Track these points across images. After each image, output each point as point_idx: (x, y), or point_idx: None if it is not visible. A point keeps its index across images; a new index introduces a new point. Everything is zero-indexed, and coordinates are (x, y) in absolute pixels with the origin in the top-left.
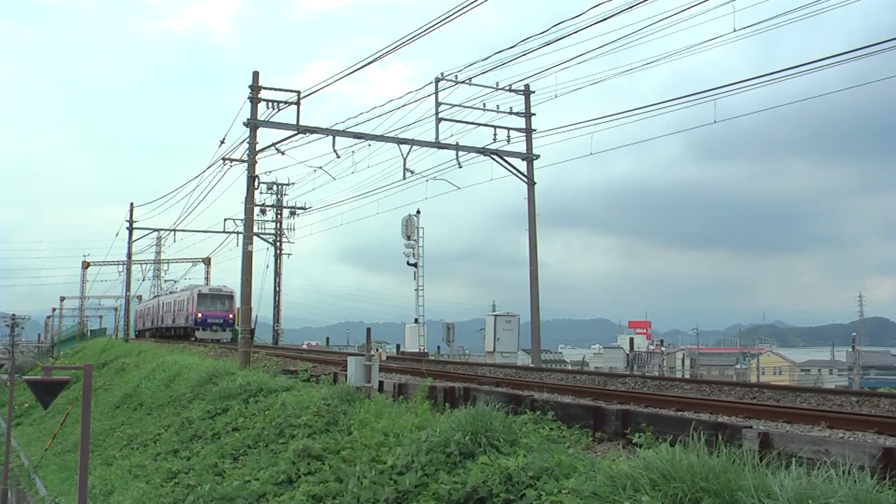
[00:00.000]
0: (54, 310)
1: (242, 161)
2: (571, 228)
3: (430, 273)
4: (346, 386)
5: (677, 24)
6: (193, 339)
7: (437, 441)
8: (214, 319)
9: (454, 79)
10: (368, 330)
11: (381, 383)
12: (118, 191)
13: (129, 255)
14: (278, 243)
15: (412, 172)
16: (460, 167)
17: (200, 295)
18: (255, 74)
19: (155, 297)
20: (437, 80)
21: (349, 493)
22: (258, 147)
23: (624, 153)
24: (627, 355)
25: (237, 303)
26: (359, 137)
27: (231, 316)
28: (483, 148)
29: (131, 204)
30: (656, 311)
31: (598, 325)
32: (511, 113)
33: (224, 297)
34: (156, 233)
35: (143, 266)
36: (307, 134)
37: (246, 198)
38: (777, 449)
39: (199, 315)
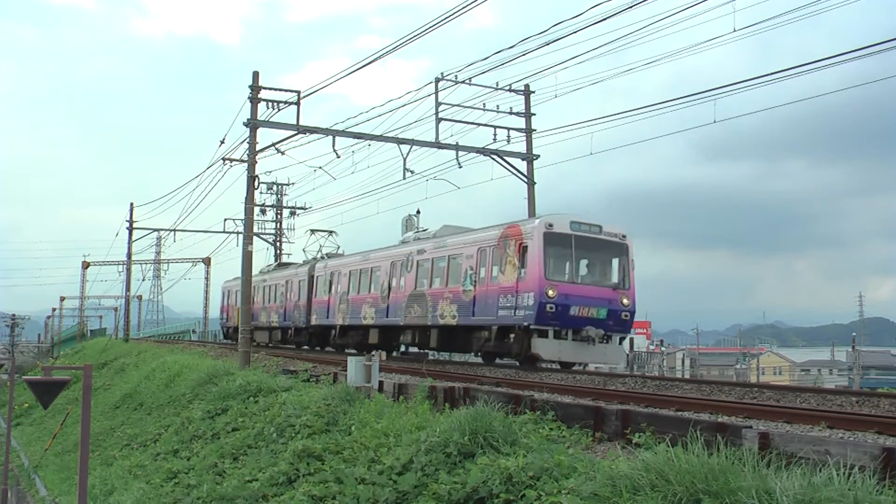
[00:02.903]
0: (54, 310)
1: (242, 161)
2: None
3: None
4: (345, 386)
5: (677, 24)
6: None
7: (437, 441)
8: (591, 305)
9: (454, 79)
10: None
11: (381, 383)
12: (118, 191)
13: (129, 255)
14: (278, 243)
15: (412, 172)
16: (460, 167)
17: (550, 236)
18: (255, 74)
19: (306, 262)
20: (437, 80)
21: (349, 494)
22: (258, 147)
23: (624, 153)
24: (627, 355)
25: (634, 267)
26: (359, 137)
27: (627, 303)
28: (483, 148)
29: (131, 204)
30: (656, 311)
31: None
32: (511, 113)
33: (609, 246)
34: (156, 233)
35: (143, 266)
36: (307, 134)
37: (246, 198)
38: (777, 449)
39: (550, 294)
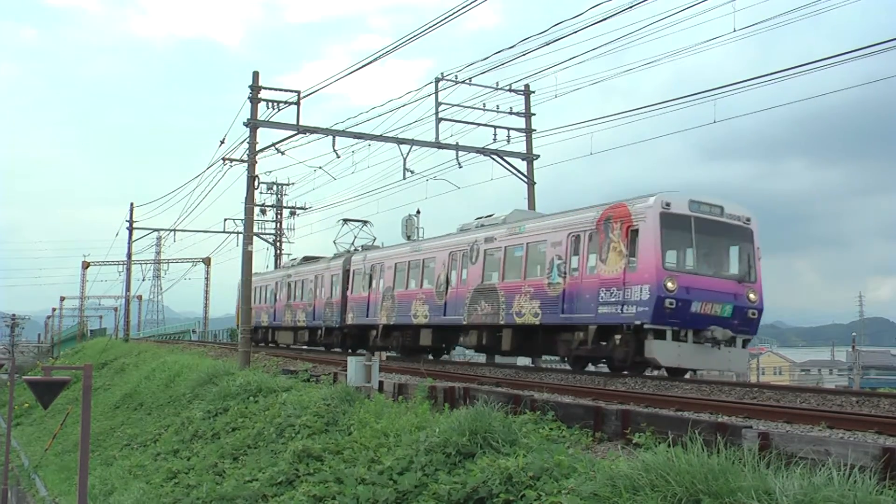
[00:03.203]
0: (54, 310)
1: (242, 161)
2: None
3: None
4: (345, 386)
5: (677, 24)
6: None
7: (437, 441)
8: (714, 301)
9: (454, 79)
10: None
11: (380, 383)
12: (118, 191)
13: (129, 255)
14: (278, 243)
15: (412, 172)
16: (460, 167)
17: (667, 217)
18: (255, 74)
19: (338, 255)
20: (437, 80)
21: (349, 494)
22: (258, 147)
23: (624, 153)
24: None
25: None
26: (359, 137)
27: (754, 298)
28: (483, 148)
29: (131, 204)
30: None
31: None
32: (511, 113)
33: (732, 230)
34: (156, 233)
35: (143, 266)
36: (307, 134)
37: (246, 198)
38: (777, 449)
39: (669, 287)
